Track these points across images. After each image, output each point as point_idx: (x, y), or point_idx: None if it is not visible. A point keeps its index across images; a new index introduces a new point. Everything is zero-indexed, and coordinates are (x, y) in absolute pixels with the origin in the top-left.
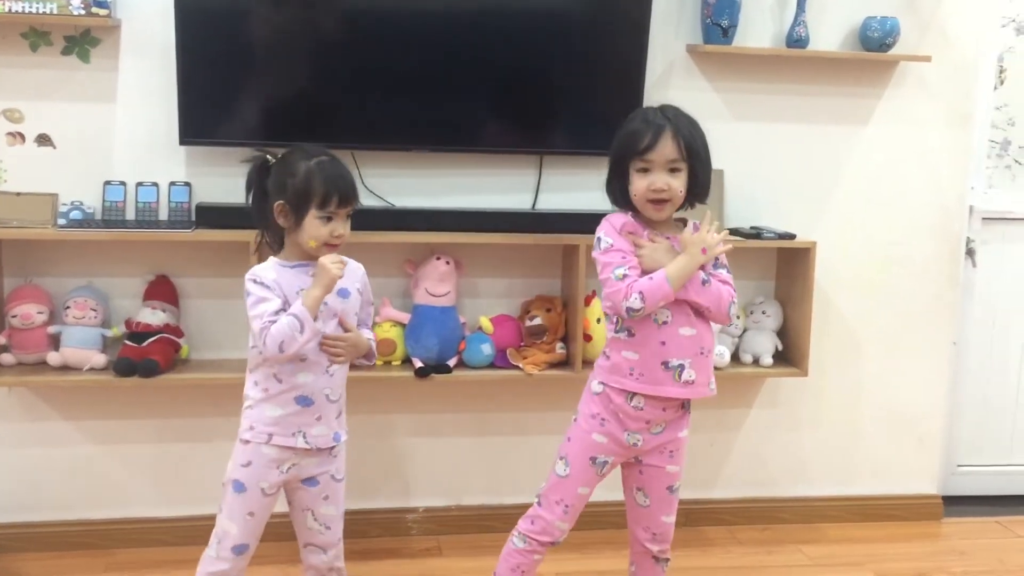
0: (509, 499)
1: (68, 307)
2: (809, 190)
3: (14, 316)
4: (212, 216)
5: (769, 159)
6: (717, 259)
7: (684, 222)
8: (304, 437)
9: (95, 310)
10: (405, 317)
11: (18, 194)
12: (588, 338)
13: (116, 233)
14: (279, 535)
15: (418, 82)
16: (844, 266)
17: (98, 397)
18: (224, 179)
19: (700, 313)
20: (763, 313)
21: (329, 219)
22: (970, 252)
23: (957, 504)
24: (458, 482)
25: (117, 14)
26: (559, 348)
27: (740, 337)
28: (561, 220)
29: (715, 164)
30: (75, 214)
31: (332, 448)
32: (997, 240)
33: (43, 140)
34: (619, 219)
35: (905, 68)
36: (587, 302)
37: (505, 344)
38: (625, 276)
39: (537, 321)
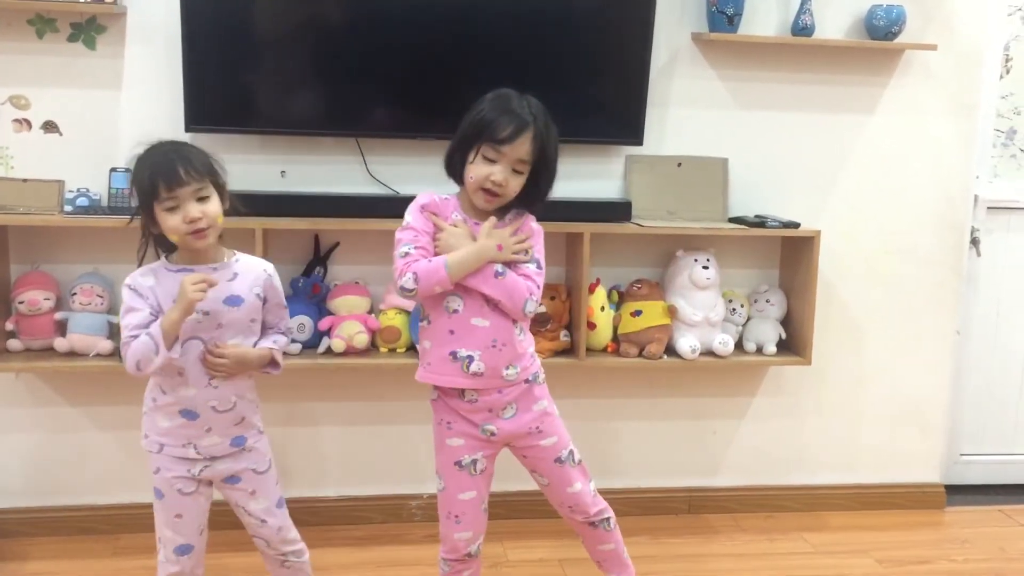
0: (513, 486)
1: (75, 293)
2: (813, 179)
3: (21, 302)
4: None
5: (774, 148)
6: (526, 253)
7: (506, 210)
8: (195, 448)
9: (101, 296)
10: (410, 304)
11: (24, 180)
12: (592, 326)
13: (122, 220)
14: None
15: (422, 70)
16: (848, 255)
17: (104, 383)
18: (229, 166)
19: (496, 305)
20: (767, 302)
21: (175, 208)
22: (974, 241)
23: (960, 493)
24: None
25: (123, 1)
26: (563, 336)
27: (744, 326)
28: (565, 208)
29: (719, 153)
30: (81, 201)
31: (240, 449)
32: (1001, 229)
33: (49, 127)
34: (427, 197)
35: (911, 57)
36: (591, 290)
37: None
38: (407, 255)
39: (541, 309)
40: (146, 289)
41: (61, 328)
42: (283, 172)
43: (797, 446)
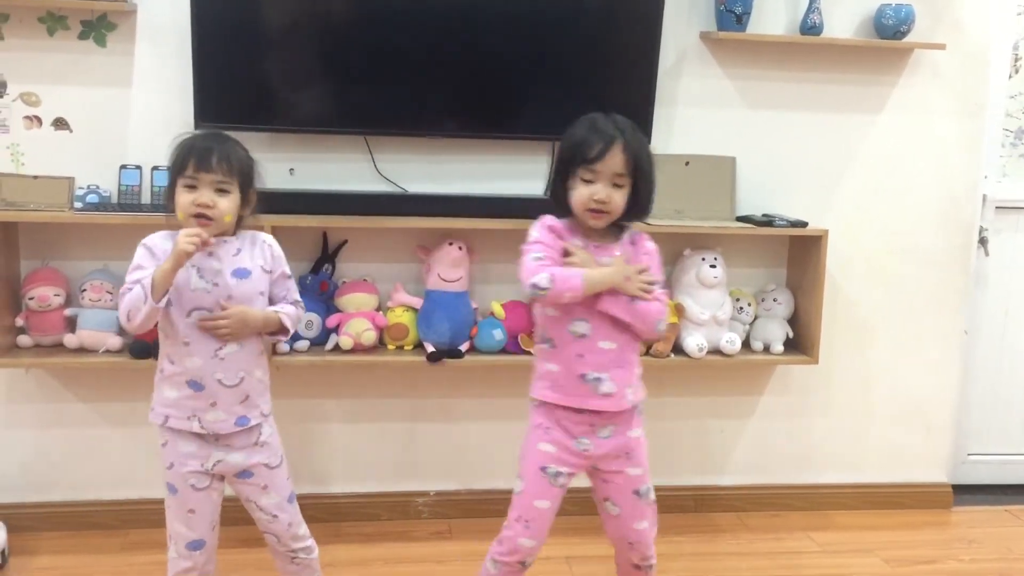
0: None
1: (84, 290)
2: (821, 178)
3: (31, 298)
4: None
5: (782, 147)
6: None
7: (621, 229)
8: (199, 422)
9: (111, 293)
10: (417, 302)
11: (35, 177)
12: None
13: (131, 217)
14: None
15: (431, 68)
16: (855, 254)
17: (114, 379)
18: None
19: (624, 327)
20: (774, 301)
21: (193, 187)
22: (983, 241)
23: (967, 493)
24: (469, 466)
25: None
26: None
27: (751, 325)
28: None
29: (727, 152)
30: (91, 198)
31: (247, 430)
32: (1010, 229)
33: (60, 124)
34: (551, 219)
35: (919, 56)
36: None
37: (517, 330)
38: (539, 259)
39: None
40: (160, 251)
41: (71, 324)
42: (292, 170)
43: (804, 445)
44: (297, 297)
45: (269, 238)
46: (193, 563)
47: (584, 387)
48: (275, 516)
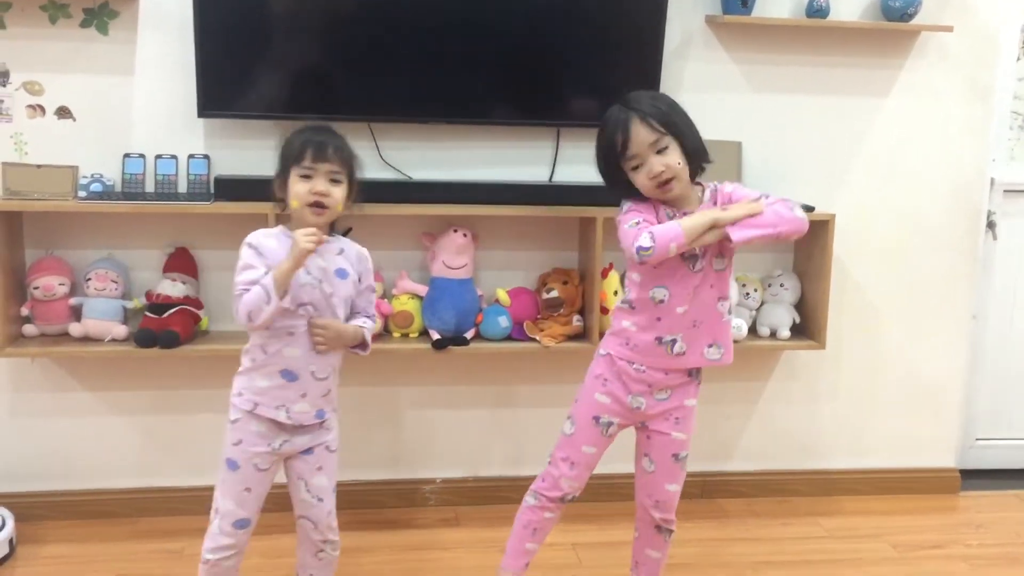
0: (526, 470)
1: (89, 279)
2: (828, 162)
3: (36, 288)
4: (231, 188)
5: (788, 131)
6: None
7: (702, 187)
8: (287, 412)
9: (116, 282)
10: (422, 289)
11: (39, 166)
12: (605, 311)
13: (136, 205)
14: (282, 505)
15: (435, 54)
16: (863, 239)
17: (119, 368)
18: (242, 151)
19: (698, 290)
20: (781, 286)
21: (308, 177)
22: (991, 225)
23: (975, 477)
24: (475, 453)
25: None
26: (576, 321)
27: (758, 310)
28: (578, 192)
29: (733, 136)
30: (95, 186)
31: (322, 422)
32: (1018, 213)
33: (63, 112)
34: (634, 201)
35: (926, 38)
36: (604, 274)
37: (522, 316)
38: (639, 224)
39: (554, 294)
40: (268, 249)
41: (76, 313)
42: None
43: (811, 430)
44: (374, 311)
45: (364, 251)
46: (235, 541)
47: (660, 348)
48: (320, 500)
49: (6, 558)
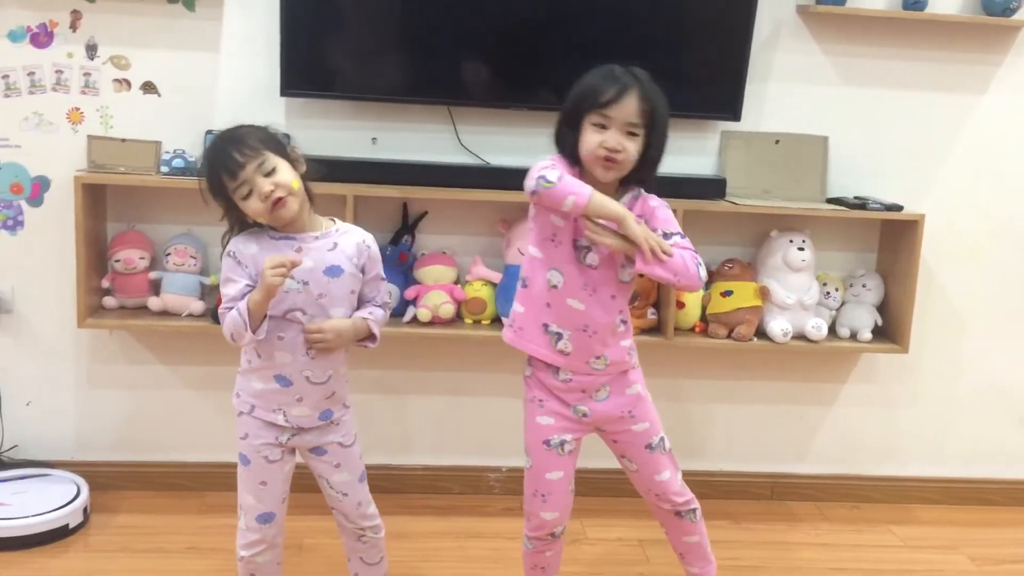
0: (593, 463)
1: (169, 254)
2: (918, 160)
3: (117, 260)
4: (310, 168)
5: (877, 126)
6: (666, 233)
7: (624, 191)
8: (284, 416)
9: (194, 257)
10: (496, 276)
11: (123, 140)
12: (681, 305)
13: None
14: None
15: (515, 39)
16: (951, 240)
17: (195, 343)
18: (323, 131)
19: (596, 290)
20: (863, 286)
21: (248, 192)
22: None
23: None
24: None
25: None
26: (650, 313)
27: (838, 310)
28: (657, 183)
29: (820, 130)
30: (177, 162)
31: (329, 422)
32: None
33: (148, 88)
34: (567, 164)
35: None
36: None
37: None
38: (553, 164)
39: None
40: (248, 257)
41: (155, 287)
42: (374, 139)
43: (887, 436)
44: (387, 299)
45: (369, 237)
46: (262, 536)
47: (543, 337)
48: (345, 495)
49: (80, 526)
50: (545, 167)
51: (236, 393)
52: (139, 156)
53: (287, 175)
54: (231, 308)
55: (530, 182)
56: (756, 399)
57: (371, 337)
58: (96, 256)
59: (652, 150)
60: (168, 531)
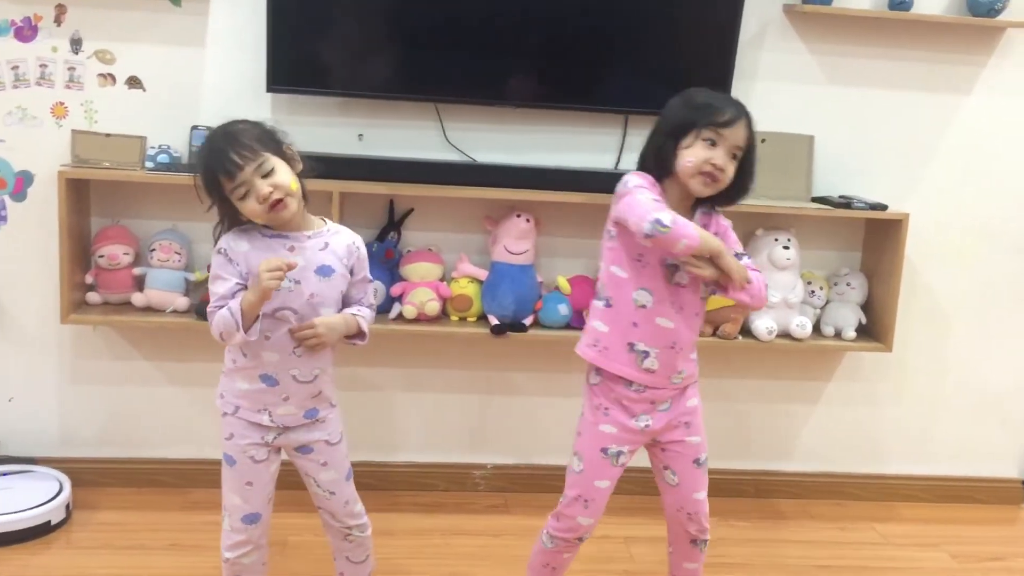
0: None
1: (153, 249)
2: (903, 160)
3: (101, 256)
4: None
5: (863, 126)
6: (738, 254)
7: (697, 208)
8: (269, 416)
9: (179, 253)
10: (482, 274)
11: (108, 135)
12: None
13: None
14: None
15: (504, 37)
16: (936, 240)
17: (179, 339)
18: (309, 128)
19: (683, 308)
20: (848, 285)
21: (246, 193)
22: None
23: None
24: (528, 440)
25: None
26: None
27: (822, 309)
28: None
29: (806, 130)
30: (162, 157)
31: (314, 420)
32: None
33: (133, 82)
34: (649, 179)
35: (1013, 35)
36: None
37: (582, 305)
38: (656, 200)
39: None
40: (239, 255)
41: (139, 283)
42: (361, 135)
43: (871, 434)
44: (372, 301)
45: (359, 239)
46: (248, 536)
47: (630, 356)
48: (332, 493)
49: (63, 522)
50: (655, 208)
51: (220, 394)
52: (124, 151)
53: (285, 176)
54: (221, 307)
55: (644, 224)
56: (741, 397)
57: (360, 334)
58: (80, 251)
59: (743, 178)
60: (151, 528)
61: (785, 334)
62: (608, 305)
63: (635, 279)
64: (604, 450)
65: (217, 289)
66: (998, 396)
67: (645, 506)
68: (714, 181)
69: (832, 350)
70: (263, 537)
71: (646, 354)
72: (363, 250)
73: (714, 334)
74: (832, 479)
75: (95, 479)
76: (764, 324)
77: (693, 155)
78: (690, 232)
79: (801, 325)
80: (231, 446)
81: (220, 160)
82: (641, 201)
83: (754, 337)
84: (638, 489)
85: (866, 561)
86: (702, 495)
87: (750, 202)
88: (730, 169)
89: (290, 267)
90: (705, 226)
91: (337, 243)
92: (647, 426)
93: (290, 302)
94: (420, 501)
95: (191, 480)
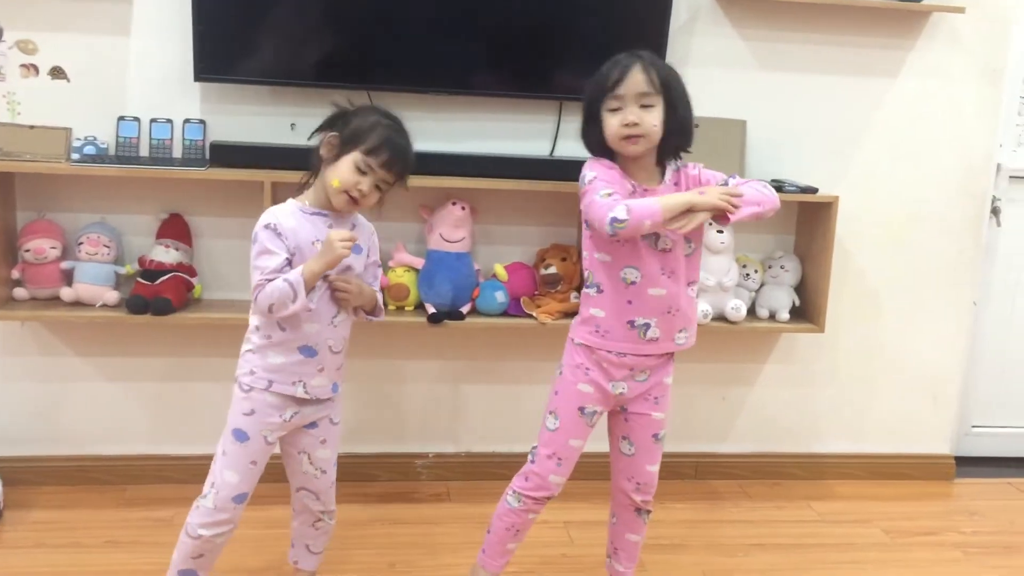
0: (519, 447)
1: (81, 243)
2: (833, 143)
3: (27, 251)
4: (226, 154)
5: (794, 110)
6: (724, 182)
7: (663, 167)
8: (304, 387)
9: (108, 247)
10: (419, 262)
11: (31, 127)
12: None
13: (130, 170)
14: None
15: (437, 23)
16: (866, 222)
17: (111, 334)
18: (239, 117)
19: (673, 272)
20: (781, 268)
21: (365, 173)
22: (995, 211)
23: (970, 465)
24: (469, 429)
25: None
26: (573, 297)
27: (757, 292)
28: (579, 168)
29: (738, 115)
30: (89, 149)
31: (330, 398)
32: (1023, 199)
33: (57, 73)
34: (605, 162)
35: (938, 19)
36: None
37: (519, 292)
38: (611, 194)
39: (552, 270)
40: (288, 230)
41: (67, 277)
42: (293, 125)
43: (807, 414)
44: (379, 286)
45: (371, 226)
46: (231, 516)
47: (631, 333)
48: (324, 472)
49: None
50: (610, 206)
51: (249, 371)
52: (48, 143)
53: (374, 200)
54: (271, 280)
55: (604, 228)
56: (679, 380)
57: (377, 310)
58: (5, 246)
59: (676, 115)
60: (86, 525)
61: (720, 317)
62: (600, 291)
63: (619, 260)
64: (582, 409)
65: (267, 263)
66: (929, 374)
67: (584, 491)
68: (639, 137)
69: (766, 332)
70: (239, 518)
71: (647, 326)
72: (375, 235)
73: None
74: (769, 459)
75: (28, 478)
76: (700, 307)
77: (608, 128)
78: (649, 210)
79: (736, 308)
80: (249, 422)
81: (402, 149)
82: (596, 202)
83: None
84: (578, 474)
85: (801, 539)
86: (655, 468)
87: None
88: (647, 117)
89: (353, 239)
90: (676, 183)
91: (362, 225)
92: (622, 393)
93: (332, 273)
94: (362, 492)
95: (128, 477)
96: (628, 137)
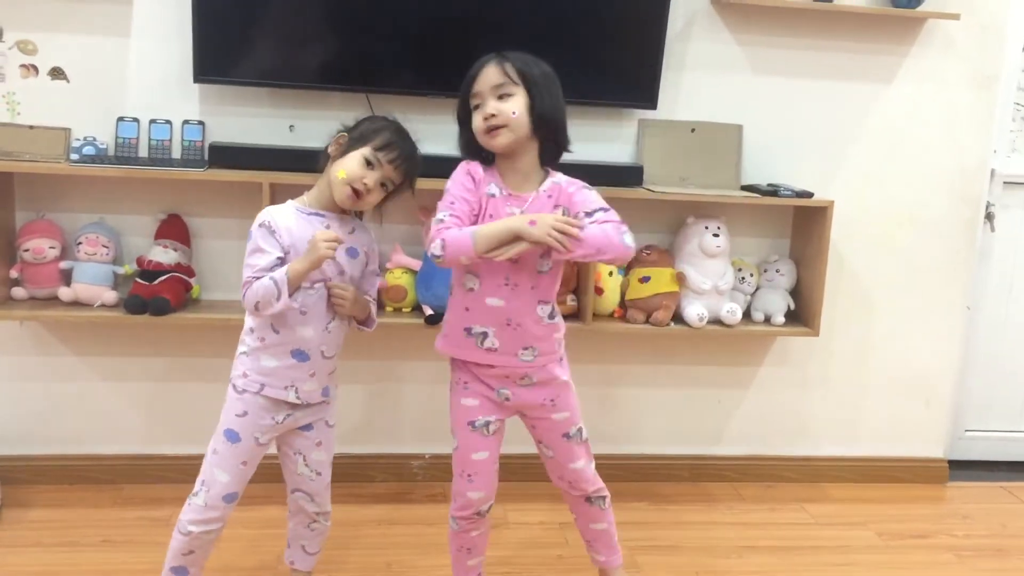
0: (513, 448)
1: (80, 243)
2: (828, 148)
3: (26, 250)
4: (225, 155)
5: (789, 115)
6: (587, 213)
7: (548, 173)
8: (296, 392)
9: (107, 247)
10: (416, 264)
11: (31, 127)
12: (599, 291)
13: (129, 170)
14: (271, 477)
15: (434, 27)
16: (861, 226)
17: (109, 334)
18: (238, 118)
19: (517, 284)
20: (776, 272)
21: (372, 167)
22: (989, 216)
23: (963, 468)
24: None
25: None
26: (570, 300)
27: (752, 295)
28: (575, 171)
29: (734, 119)
30: (88, 149)
31: (323, 401)
32: (1017, 205)
33: (57, 73)
34: (472, 166)
35: (932, 26)
36: None
37: None
38: (441, 221)
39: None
40: (283, 228)
41: (66, 277)
42: (292, 126)
43: (801, 417)
44: (376, 295)
45: (372, 233)
46: (221, 514)
47: (469, 340)
48: (319, 474)
49: None
50: (432, 238)
51: (242, 374)
52: (47, 143)
53: (377, 199)
54: (259, 278)
55: (430, 255)
56: (674, 383)
57: (370, 320)
58: (4, 246)
59: (544, 102)
60: (82, 525)
61: (716, 320)
62: (451, 293)
63: (465, 266)
64: (471, 423)
65: (257, 261)
66: (922, 378)
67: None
68: (500, 128)
69: (761, 335)
70: (228, 517)
71: (484, 335)
72: (376, 243)
73: (647, 321)
74: (763, 462)
75: (25, 477)
76: (695, 311)
77: (474, 126)
78: (463, 246)
79: (731, 311)
80: (242, 423)
81: (408, 149)
82: (430, 227)
83: (686, 324)
84: None
85: (794, 541)
86: (579, 464)
87: (680, 190)
88: (505, 107)
89: (340, 241)
90: (551, 197)
91: (362, 231)
92: (507, 399)
93: (326, 275)
94: (358, 492)
95: (124, 476)
96: (489, 130)
